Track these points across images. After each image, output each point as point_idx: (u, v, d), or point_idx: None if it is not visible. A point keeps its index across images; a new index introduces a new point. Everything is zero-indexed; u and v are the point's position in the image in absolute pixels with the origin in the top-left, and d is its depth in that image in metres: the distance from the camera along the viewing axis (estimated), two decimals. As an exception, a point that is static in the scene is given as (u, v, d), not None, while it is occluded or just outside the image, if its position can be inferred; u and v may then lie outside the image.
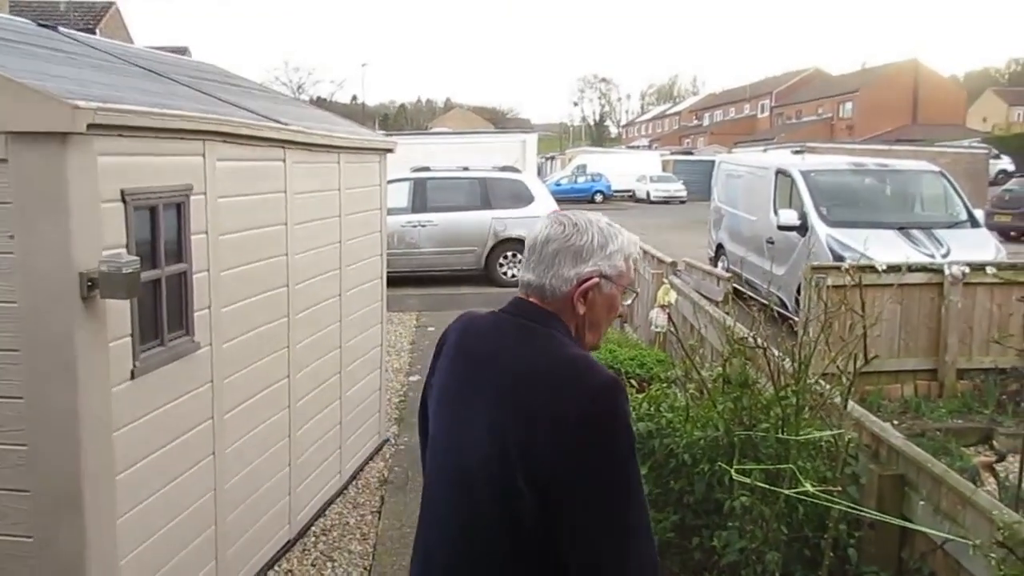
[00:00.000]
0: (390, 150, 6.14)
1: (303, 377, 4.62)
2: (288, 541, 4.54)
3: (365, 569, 4.46)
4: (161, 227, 3.17)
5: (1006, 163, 34.20)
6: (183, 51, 25.00)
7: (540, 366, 1.61)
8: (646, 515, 1.57)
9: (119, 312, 2.91)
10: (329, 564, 4.49)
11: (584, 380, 1.56)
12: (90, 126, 2.61)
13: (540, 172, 33.83)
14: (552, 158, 49.56)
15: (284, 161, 4.32)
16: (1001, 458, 5.15)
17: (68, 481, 2.75)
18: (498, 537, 1.61)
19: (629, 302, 1.80)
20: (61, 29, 4.58)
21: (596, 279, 1.68)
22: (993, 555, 2.38)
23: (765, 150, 21.16)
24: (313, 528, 4.86)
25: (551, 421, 1.53)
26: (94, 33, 17.22)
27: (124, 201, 2.91)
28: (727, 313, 5.25)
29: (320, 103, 58.42)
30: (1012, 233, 18.34)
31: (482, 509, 1.63)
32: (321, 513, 5.02)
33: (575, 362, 1.61)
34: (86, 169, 2.70)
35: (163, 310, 3.21)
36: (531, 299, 1.72)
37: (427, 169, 14.42)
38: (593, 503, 1.52)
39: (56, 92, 2.62)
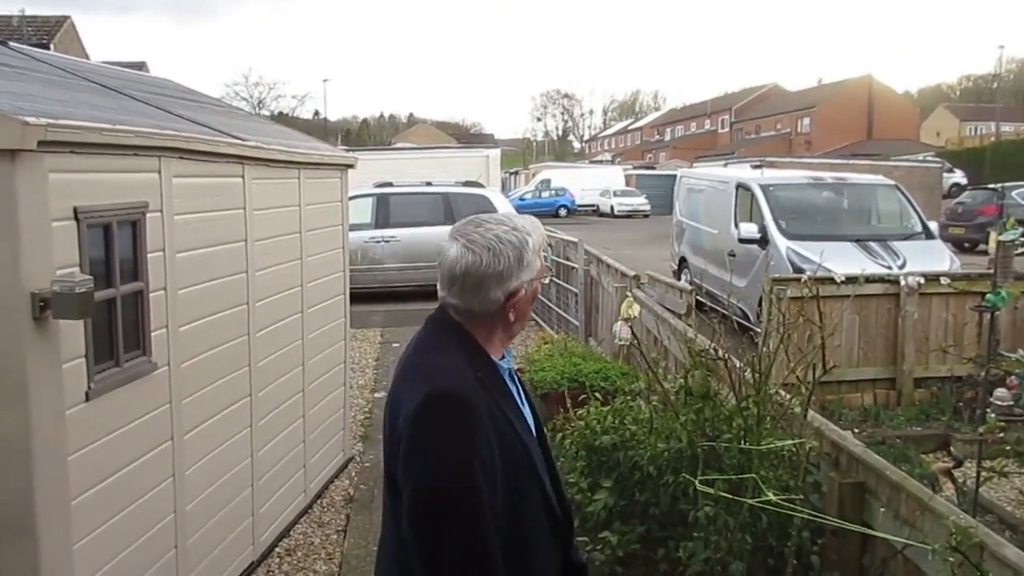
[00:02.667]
0: (351, 166, 6.11)
1: (265, 396, 4.56)
2: (252, 563, 4.46)
3: (329, 590, 4.39)
4: (116, 245, 3.11)
5: (959, 176, 35.03)
6: (140, 66, 24.71)
7: (418, 363, 1.76)
8: (470, 514, 1.57)
9: (72, 333, 2.84)
10: (293, 586, 4.42)
11: (431, 380, 1.65)
12: (40, 143, 2.56)
13: (504, 187, 33.92)
14: (516, 173, 49.72)
15: (243, 177, 4.27)
16: (958, 464, 5.24)
17: (21, 507, 2.68)
18: (389, 526, 1.73)
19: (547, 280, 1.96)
20: (12, 44, 4.50)
21: (523, 291, 1.77)
22: (951, 559, 2.42)
23: (726, 164, 21.43)
24: (277, 549, 4.78)
25: (405, 410, 1.65)
26: (48, 48, 16.93)
27: (77, 219, 2.85)
28: (689, 325, 5.30)
29: (281, 118, 57.98)
30: (965, 244, 18.74)
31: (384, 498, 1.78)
32: (285, 533, 4.94)
33: (432, 366, 1.71)
34: (36, 187, 2.64)
35: (119, 330, 3.15)
36: (450, 309, 1.80)
37: (390, 185, 14.37)
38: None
39: (5, 108, 2.57)
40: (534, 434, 1.89)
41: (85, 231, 2.90)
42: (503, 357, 1.88)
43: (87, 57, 22.10)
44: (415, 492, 1.56)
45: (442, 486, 1.54)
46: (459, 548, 1.53)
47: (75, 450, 2.90)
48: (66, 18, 26.07)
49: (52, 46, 21.11)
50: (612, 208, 37.16)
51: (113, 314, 3.12)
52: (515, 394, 1.87)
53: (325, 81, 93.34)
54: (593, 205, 38.64)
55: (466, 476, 1.54)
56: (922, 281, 7.37)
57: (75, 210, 2.85)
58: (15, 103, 2.79)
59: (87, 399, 2.95)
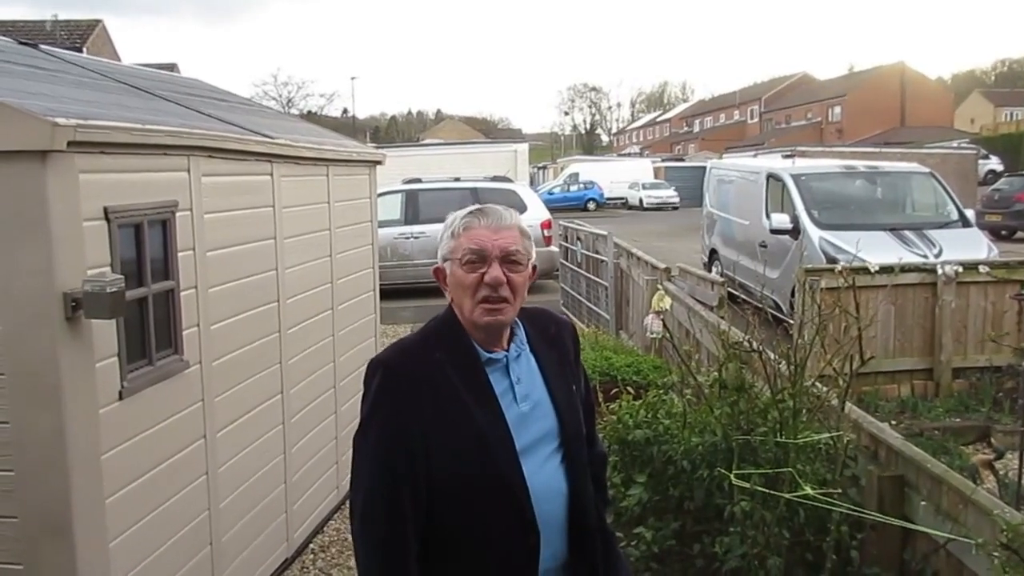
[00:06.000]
0: (379, 162, 6.12)
1: (297, 393, 4.57)
2: (286, 559, 4.49)
3: (363, 586, 4.40)
4: (146, 244, 3.12)
5: (995, 163, 34.30)
6: (171, 67, 25.01)
7: None
8: (365, 466, 1.82)
9: (105, 332, 2.86)
10: (326, 582, 4.43)
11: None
12: (70, 143, 2.58)
13: (532, 182, 33.86)
14: (544, 167, 49.58)
15: (272, 175, 4.28)
16: (999, 456, 5.12)
17: (57, 506, 2.70)
18: None
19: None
20: (43, 47, 4.55)
21: (439, 265, 1.91)
22: (996, 555, 2.35)
23: (756, 155, 21.23)
24: (311, 545, 4.80)
25: None
26: (81, 51, 17.20)
27: (107, 219, 2.87)
28: (722, 317, 5.23)
29: (310, 117, 58.35)
30: (1003, 232, 18.39)
31: None
32: (319, 530, 4.97)
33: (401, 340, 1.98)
34: (67, 187, 2.66)
35: (150, 329, 3.17)
36: None
37: (419, 180, 14.40)
38: None
39: (35, 110, 2.58)
40: (553, 432, 1.87)
41: (116, 231, 2.91)
42: (507, 348, 1.86)
43: (119, 59, 22.41)
44: None
45: (357, 431, 1.86)
46: (357, 478, 1.85)
47: (109, 449, 2.92)
48: (98, 22, 26.50)
49: (85, 49, 21.45)
50: (641, 201, 36.95)
51: (145, 313, 3.14)
52: (507, 385, 1.84)
53: (353, 79, 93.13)
54: (622, 198, 38.46)
55: (366, 427, 1.83)
56: (959, 270, 7.22)
57: (106, 210, 2.86)
58: (46, 104, 2.81)
59: (120, 398, 2.97)
